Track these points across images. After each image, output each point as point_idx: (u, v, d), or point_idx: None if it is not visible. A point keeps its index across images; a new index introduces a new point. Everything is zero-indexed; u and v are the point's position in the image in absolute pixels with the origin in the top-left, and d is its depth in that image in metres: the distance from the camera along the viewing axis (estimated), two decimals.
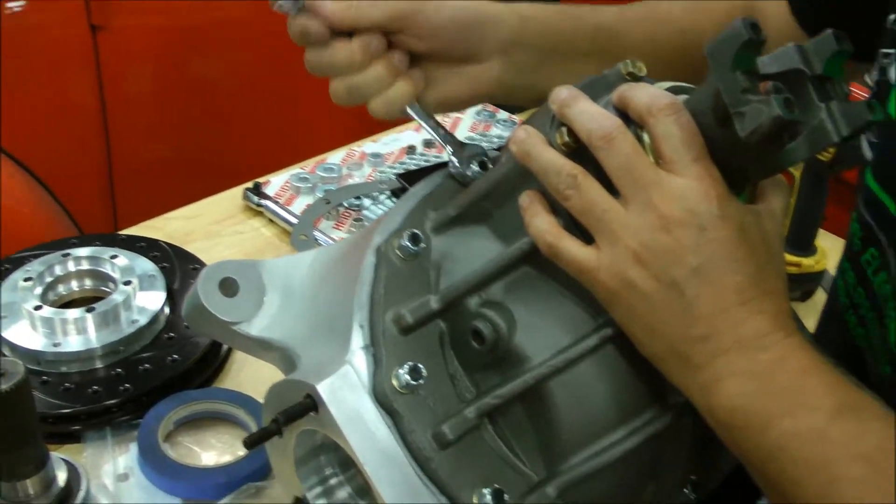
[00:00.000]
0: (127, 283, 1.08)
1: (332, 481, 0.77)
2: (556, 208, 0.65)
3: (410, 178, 1.40)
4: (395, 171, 1.47)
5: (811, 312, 1.26)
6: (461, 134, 1.60)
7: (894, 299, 0.71)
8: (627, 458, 0.66)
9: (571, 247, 0.63)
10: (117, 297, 1.06)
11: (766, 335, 0.59)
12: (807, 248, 1.27)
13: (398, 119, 0.79)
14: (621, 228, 0.61)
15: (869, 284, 0.76)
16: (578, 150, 0.63)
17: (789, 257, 1.25)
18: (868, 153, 0.82)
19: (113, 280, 1.11)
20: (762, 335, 0.59)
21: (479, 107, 1.68)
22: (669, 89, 0.65)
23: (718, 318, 0.60)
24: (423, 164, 1.49)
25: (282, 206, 1.35)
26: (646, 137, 0.62)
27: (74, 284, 1.13)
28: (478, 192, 0.70)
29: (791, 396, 0.58)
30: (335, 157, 1.51)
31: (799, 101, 0.59)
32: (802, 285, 1.28)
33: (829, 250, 1.30)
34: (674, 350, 0.61)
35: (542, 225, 0.64)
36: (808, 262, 1.26)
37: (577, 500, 0.66)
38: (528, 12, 0.81)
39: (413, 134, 1.59)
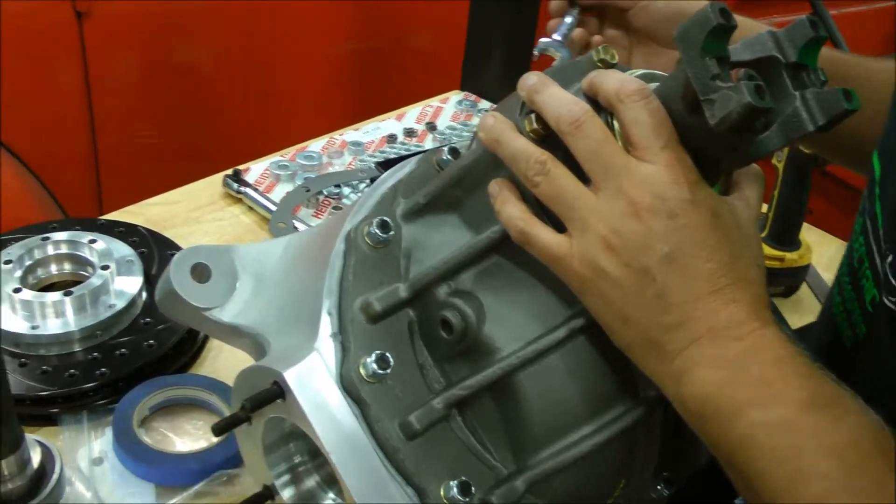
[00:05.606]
0: (105, 267, 1.08)
1: (301, 469, 0.76)
2: (527, 196, 0.64)
3: (390, 166, 1.37)
4: (375, 159, 1.46)
5: (795, 308, 1.26)
6: (442, 123, 1.60)
7: (868, 259, 0.69)
8: (598, 452, 0.65)
9: (543, 233, 0.62)
10: (95, 281, 1.05)
11: (740, 325, 0.59)
12: (790, 242, 1.26)
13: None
14: (591, 215, 0.60)
15: (861, 290, 0.75)
16: (548, 138, 0.63)
17: (773, 252, 1.24)
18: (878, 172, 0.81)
19: (91, 264, 1.11)
20: (736, 324, 0.59)
21: (461, 96, 1.68)
22: (640, 76, 0.64)
23: (691, 305, 0.59)
24: (404, 152, 1.49)
25: (261, 194, 1.35)
26: (616, 124, 0.62)
27: (53, 268, 1.13)
28: (448, 180, 0.69)
29: (763, 387, 0.57)
30: (316, 144, 1.50)
31: (773, 90, 0.58)
32: (786, 280, 1.27)
33: (815, 244, 1.30)
34: (646, 338, 0.60)
35: (514, 212, 0.63)
36: (791, 257, 1.25)
37: (547, 494, 0.65)
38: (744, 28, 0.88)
39: (394, 123, 1.59)
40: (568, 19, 1.05)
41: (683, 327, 0.59)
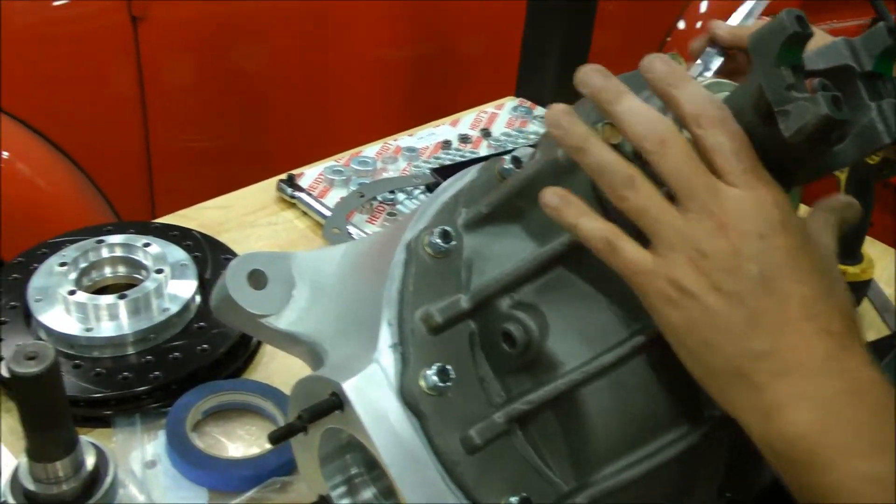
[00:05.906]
0: (159, 271, 1.08)
1: (358, 481, 0.75)
2: (592, 207, 0.62)
3: (445, 173, 1.38)
4: (429, 165, 1.45)
5: None
6: (497, 129, 1.59)
7: None
8: (660, 471, 0.63)
9: (629, 247, 0.60)
10: (149, 285, 1.06)
11: (836, 359, 0.55)
12: (852, 255, 1.23)
13: None
14: (678, 235, 0.58)
15: None
16: (617, 148, 0.61)
17: None
18: None
19: (145, 267, 1.11)
20: (832, 358, 0.55)
21: (517, 102, 1.67)
22: (708, 86, 0.63)
23: (783, 331, 0.56)
24: (459, 159, 1.48)
25: (315, 199, 1.34)
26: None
27: (108, 271, 1.13)
28: (511, 190, 0.67)
29: (866, 435, 0.54)
30: (370, 150, 1.50)
31: (848, 100, 0.56)
32: None
33: (876, 258, 1.26)
34: (731, 365, 0.57)
35: (597, 223, 0.61)
36: (853, 271, 1.22)
37: None
38: None
39: (448, 128, 1.58)
40: (707, 59, 1.03)
41: (773, 356, 0.56)
